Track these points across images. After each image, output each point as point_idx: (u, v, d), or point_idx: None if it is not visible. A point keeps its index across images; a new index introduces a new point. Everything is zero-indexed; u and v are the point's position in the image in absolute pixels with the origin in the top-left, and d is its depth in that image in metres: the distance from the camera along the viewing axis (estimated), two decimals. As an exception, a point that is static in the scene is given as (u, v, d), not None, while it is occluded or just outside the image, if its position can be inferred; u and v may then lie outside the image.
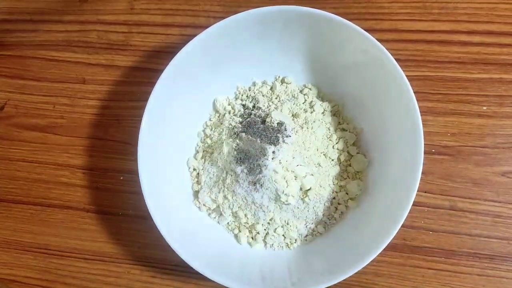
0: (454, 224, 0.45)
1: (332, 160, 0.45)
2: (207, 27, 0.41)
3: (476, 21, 0.48)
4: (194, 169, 0.47)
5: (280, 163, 0.41)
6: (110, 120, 0.52)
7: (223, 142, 0.44)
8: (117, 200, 0.50)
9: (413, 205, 0.37)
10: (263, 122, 0.44)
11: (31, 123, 0.53)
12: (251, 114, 0.46)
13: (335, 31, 0.41)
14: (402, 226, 0.37)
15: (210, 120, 0.49)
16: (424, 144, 0.38)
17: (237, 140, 0.43)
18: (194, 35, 0.41)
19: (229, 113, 0.48)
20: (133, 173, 0.50)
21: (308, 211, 0.43)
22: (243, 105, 0.48)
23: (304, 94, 0.47)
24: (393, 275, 0.45)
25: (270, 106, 0.46)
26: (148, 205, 0.41)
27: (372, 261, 0.37)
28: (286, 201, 0.41)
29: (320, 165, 0.43)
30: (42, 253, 0.50)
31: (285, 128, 0.43)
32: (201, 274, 0.39)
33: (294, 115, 0.45)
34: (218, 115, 0.49)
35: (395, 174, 0.41)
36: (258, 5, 0.41)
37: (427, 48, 0.48)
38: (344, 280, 0.38)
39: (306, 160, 0.43)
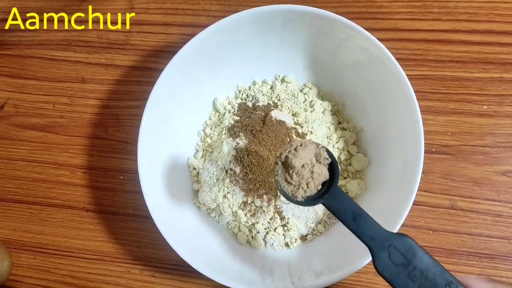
0: (455, 223, 0.45)
1: (332, 159, 0.45)
2: (207, 26, 0.41)
3: (477, 20, 0.48)
4: (194, 168, 0.47)
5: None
6: (110, 119, 0.52)
7: (223, 141, 0.44)
8: (116, 200, 0.50)
9: (413, 204, 0.37)
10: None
11: (31, 122, 0.53)
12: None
13: (336, 30, 0.41)
14: (403, 225, 0.37)
15: (210, 119, 0.49)
16: (425, 143, 0.38)
17: (237, 139, 0.43)
18: (194, 34, 0.41)
19: (229, 112, 0.47)
20: (133, 172, 0.50)
21: (308, 210, 0.43)
22: (243, 104, 0.48)
23: (304, 93, 0.47)
24: (393, 274, 0.45)
25: (270, 105, 0.46)
26: (148, 205, 0.41)
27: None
28: (286, 200, 0.41)
29: (320, 164, 0.43)
30: (42, 252, 0.50)
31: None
32: (201, 274, 0.39)
33: (294, 114, 0.45)
34: (218, 114, 0.49)
35: (395, 173, 0.41)
36: (258, 4, 0.41)
37: (428, 47, 0.48)
38: (344, 279, 0.38)
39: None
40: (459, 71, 0.47)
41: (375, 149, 0.44)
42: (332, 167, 0.29)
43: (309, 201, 0.30)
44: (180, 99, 0.45)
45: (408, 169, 0.39)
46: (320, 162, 0.29)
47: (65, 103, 0.53)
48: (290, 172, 0.29)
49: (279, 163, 0.30)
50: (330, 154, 0.29)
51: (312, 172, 0.29)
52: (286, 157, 0.29)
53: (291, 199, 0.30)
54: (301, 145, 0.29)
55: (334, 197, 0.29)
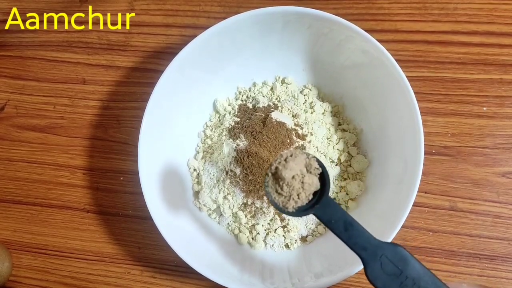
0: (454, 224, 0.45)
1: (333, 160, 0.45)
2: (207, 27, 0.41)
3: (476, 21, 0.48)
4: (195, 170, 0.47)
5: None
6: (110, 120, 0.52)
7: (223, 143, 0.44)
8: (117, 201, 0.50)
9: (413, 205, 0.37)
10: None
11: (31, 123, 0.53)
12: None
13: (335, 31, 0.41)
14: (402, 226, 0.37)
15: (210, 120, 0.49)
16: (424, 144, 0.38)
17: (237, 141, 0.43)
18: (195, 36, 0.41)
19: (230, 113, 0.48)
20: (133, 174, 0.50)
21: (308, 211, 0.43)
22: (243, 106, 0.48)
23: (304, 95, 0.47)
24: (393, 275, 0.45)
25: (270, 106, 0.46)
26: (148, 206, 0.41)
27: (372, 261, 0.37)
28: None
29: (320, 166, 0.43)
30: (42, 253, 0.50)
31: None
32: (201, 274, 0.39)
33: (295, 116, 0.45)
34: (218, 115, 0.49)
35: (396, 174, 0.41)
36: (258, 6, 0.41)
37: (427, 49, 0.48)
38: (344, 280, 0.38)
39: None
40: (459, 72, 0.47)
41: (375, 151, 0.45)
42: (323, 177, 0.29)
43: (300, 212, 0.30)
44: (180, 100, 0.45)
45: (408, 170, 0.39)
46: (310, 172, 0.29)
47: (65, 104, 0.53)
48: (281, 183, 0.29)
49: (269, 174, 0.30)
50: (321, 164, 0.29)
51: (302, 182, 0.29)
52: (276, 168, 0.29)
53: (282, 210, 0.30)
54: (291, 156, 0.29)
55: (325, 207, 0.29)
